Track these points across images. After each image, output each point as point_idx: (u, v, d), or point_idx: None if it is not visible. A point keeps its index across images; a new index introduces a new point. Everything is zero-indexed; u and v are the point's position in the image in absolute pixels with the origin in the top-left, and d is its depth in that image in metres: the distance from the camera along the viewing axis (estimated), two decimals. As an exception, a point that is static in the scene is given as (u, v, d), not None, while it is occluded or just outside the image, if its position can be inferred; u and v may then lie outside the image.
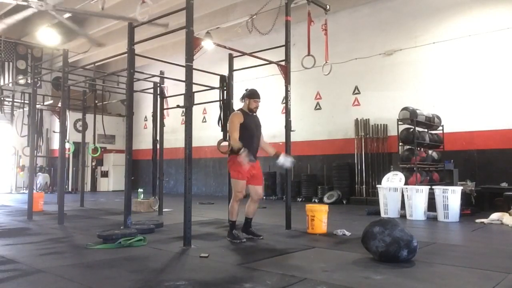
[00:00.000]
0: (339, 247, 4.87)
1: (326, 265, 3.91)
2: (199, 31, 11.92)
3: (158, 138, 8.73)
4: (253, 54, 6.97)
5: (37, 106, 9.15)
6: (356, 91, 11.57)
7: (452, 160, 9.47)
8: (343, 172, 11.21)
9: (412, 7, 10.73)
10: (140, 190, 10.06)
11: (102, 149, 15.72)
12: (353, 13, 11.71)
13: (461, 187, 7.69)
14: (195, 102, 6.32)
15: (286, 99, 6.51)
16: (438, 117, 9.48)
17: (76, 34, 13.35)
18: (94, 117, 10.12)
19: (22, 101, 10.45)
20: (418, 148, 8.62)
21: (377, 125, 11.07)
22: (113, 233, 5.06)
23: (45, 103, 12.41)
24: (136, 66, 5.97)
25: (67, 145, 8.53)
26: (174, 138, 14.56)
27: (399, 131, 8.63)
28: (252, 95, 5.26)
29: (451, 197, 7.13)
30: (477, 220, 7.03)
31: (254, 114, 5.36)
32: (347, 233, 5.69)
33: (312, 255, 4.46)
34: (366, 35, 11.44)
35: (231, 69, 7.24)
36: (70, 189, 16.38)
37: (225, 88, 6.99)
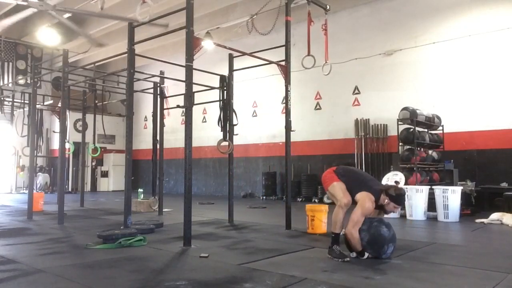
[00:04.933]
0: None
1: (326, 265, 3.92)
2: (199, 31, 11.92)
3: (158, 138, 8.73)
4: (253, 54, 6.97)
5: (37, 106, 9.14)
6: (356, 91, 11.56)
7: (452, 160, 9.47)
8: (343, 172, 11.20)
9: (412, 7, 10.73)
10: (140, 190, 10.06)
11: (102, 149, 15.72)
12: (353, 13, 11.71)
13: (461, 187, 7.69)
14: (195, 102, 6.32)
15: (286, 99, 6.51)
16: (438, 117, 9.48)
17: (76, 34, 13.37)
18: (94, 117, 10.12)
19: (22, 101, 10.45)
20: (418, 148, 8.61)
21: (377, 125, 11.06)
22: (113, 233, 5.06)
23: (45, 103, 12.41)
24: (136, 66, 5.98)
25: (67, 145, 8.52)
26: (174, 138, 14.56)
27: (399, 131, 8.62)
28: (398, 200, 4.33)
29: (451, 197, 7.13)
30: (477, 220, 7.02)
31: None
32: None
33: (312, 255, 4.46)
34: (366, 35, 11.44)
35: (231, 69, 7.24)
36: (70, 189, 16.38)
37: (225, 88, 6.99)
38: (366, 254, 4.22)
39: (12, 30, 14.80)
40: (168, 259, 4.25)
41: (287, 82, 6.52)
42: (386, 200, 4.28)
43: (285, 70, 6.51)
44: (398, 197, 4.29)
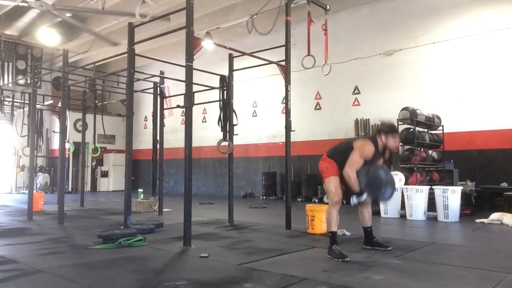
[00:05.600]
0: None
1: (326, 265, 3.91)
2: (199, 31, 11.91)
3: (158, 138, 8.73)
4: (253, 54, 6.97)
5: (37, 106, 9.14)
6: (356, 91, 11.57)
7: (452, 160, 9.46)
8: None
9: (412, 7, 10.73)
10: (140, 190, 10.06)
11: (102, 149, 15.72)
12: (353, 13, 11.71)
13: (461, 187, 7.68)
14: (195, 102, 6.31)
15: (286, 99, 6.51)
16: (438, 117, 9.48)
17: (76, 33, 13.35)
18: (94, 117, 10.12)
19: (22, 101, 10.45)
20: (418, 148, 8.62)
21: (377, 125, 11.02)
22: (113, 233, 5.06)
23: (45, 103, 12.41)
24: (136, 66, 5.98)
25: (67, 145, 8.53)
26: (174, 138, 14.56)
27: (399, 131, 8.61)
28: (392, 130, 4.44)
29: (451, 197, 7.12)
30: (477, 220, 7.02)
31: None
32: (347, 233, 5.68)
33: (312, 255, 4.46)
34: (366, 35, 11.44)
35: (231, 69, 7.24)
36: (70, 189, 16.38)
37: (225, 88, 6.99)
38: (365, 195, 4.29)
39: (12, 30, 14.82)
40: (168, 259, 4.25)
41: (287, 82, 6.52)
42: (383, 137, 4.42)
43: (285, 70, 6.51)
44: (390, 127, 4.48)
